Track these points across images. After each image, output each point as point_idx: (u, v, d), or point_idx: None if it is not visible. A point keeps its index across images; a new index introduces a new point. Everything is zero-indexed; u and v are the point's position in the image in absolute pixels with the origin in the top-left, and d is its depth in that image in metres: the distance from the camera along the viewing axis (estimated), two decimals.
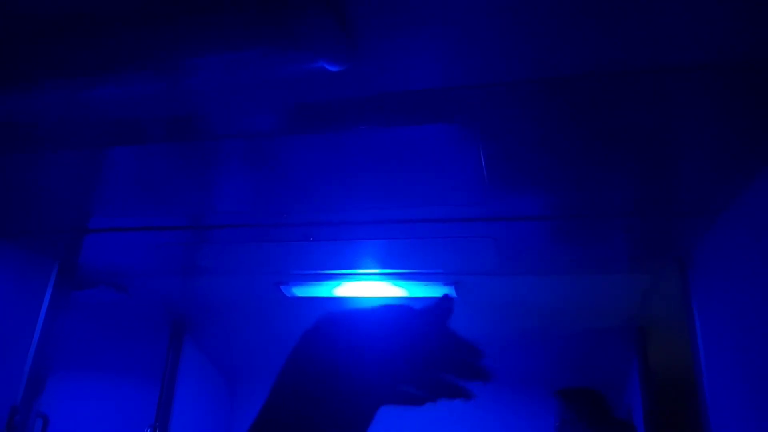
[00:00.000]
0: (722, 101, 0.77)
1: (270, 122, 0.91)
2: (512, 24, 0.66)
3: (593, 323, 1.96)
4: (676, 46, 0.68)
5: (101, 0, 0.66)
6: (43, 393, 1.59)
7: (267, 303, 1.91)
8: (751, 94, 0.75)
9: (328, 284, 1.71)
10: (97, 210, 1.29)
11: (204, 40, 0.67)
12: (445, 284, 1.66)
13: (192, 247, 1.50)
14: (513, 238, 1.32)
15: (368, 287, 1.70)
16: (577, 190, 1.08)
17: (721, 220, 1.12)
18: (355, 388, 0.37)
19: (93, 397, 2.39)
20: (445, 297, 0.43)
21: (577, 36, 0.67)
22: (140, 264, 1.64)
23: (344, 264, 1.56)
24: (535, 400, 2.29)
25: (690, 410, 1.30)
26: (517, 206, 1.16)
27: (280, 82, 0.79)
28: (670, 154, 0.93)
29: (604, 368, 2.18)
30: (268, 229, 1.35)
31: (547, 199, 1.13)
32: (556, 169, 1.00)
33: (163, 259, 1.58)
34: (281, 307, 1.92)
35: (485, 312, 1.88)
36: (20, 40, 0.72)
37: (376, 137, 0.94)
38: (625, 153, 0.93)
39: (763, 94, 0.74)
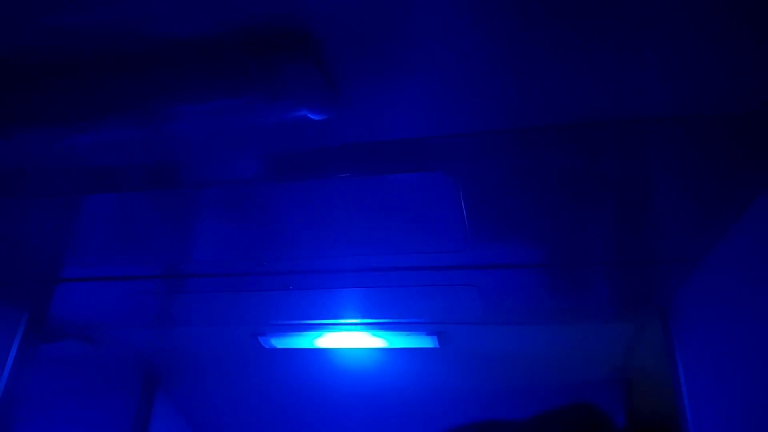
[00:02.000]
0: (701, 152, 0.79)
1: (250, 170, 0.90)
2: (494, 75, 0.67)
3: (578, 374, 1.93)
4: (655, 98, 0.69)
5: (80, 47, 0.66)
6: None
7: (244, 355, 1.85)
8: (730, 145, 0.77)
9: (308, 335, 1.67)
10: (70, 259, 1.26)
11: (185, 88, 0.67)
12: (428, 334, 1.63)
13: (167, 297, 1.46)
14: (496, 287, 1.31)
15: (350, 338, 1.66)
16: (558, 239, 1.08)
17: (700, 268, 1.13)
18: None
19: None
20: None
21: (558, 87, 0.68)
22: (112, 315, 1.59)
23: (325, 314, 1.53)
24: None
25: None
26: (499, 254, 1.16)
27: (261, 130, 0.79)
28: (649, 203, 0.94)
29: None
30: (246, 278, 1.32)
31: (528, 248, 1.13)
32: (537, 218, 1.00)
33: (137, 310, 1.53)
34: (259, 360, 1.86)
35: (469, 363, 1.84)
36: None
37: (357, 185, 0.94)
38: (607, 202, 0.94)
39: (741, 144, 0.76)
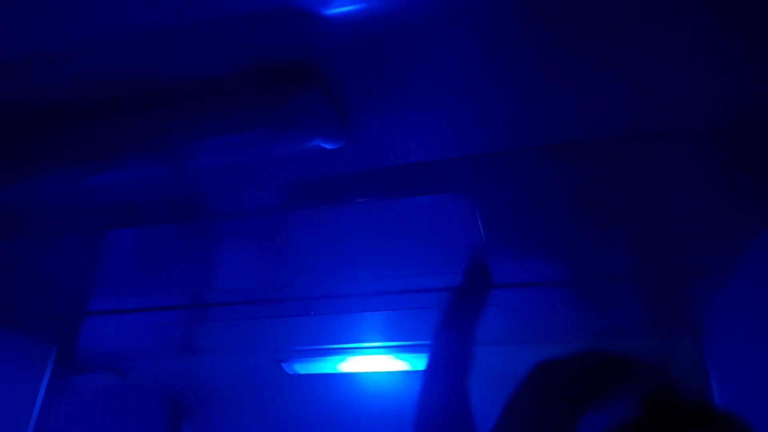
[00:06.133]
0: (723, 161, 0.78)
1: (269, 200, 0.92)
2: (504, 97, 0.67)
3: None
4: (669, 111, 0.69)
5: (101, 91, 0.68)
6: None
7: (268, 382, 1.85)
8: (749, 153, 0.75)
9: (331, 359, 1.66)
10: (97, 293, 1.28)
11: (202, 126, 0.69)
12: None
13: (191, 326, 1.47)
14: (519, 306, 1.30)
15: (373, 362, 1.65)
16: (579, 256, 1.07)
17: (731, 281, 1.10)
18: None
19: None
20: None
21: (568, 105, 0.68)
22: (138, 346, 1.61)
23: (347, 338, 1.53)
24: None
25: None
26: (520, 273, 1.15)
27: (277, 161, 0.80)
28: (673, 216, 0.92)
29: None
30: (269, 305, 1.33)
31: (550, 266, 1.12)
32: (557, 235, 0.99)
33: (162, 340, 1.55)
34: (283, 386, 1.86)
35: (495, 383, 1.81)
36: (20, 128, 0.74)
37: (374, 210, 0.94)
38: (628, 216, 0.92)
39: (761, 152, 0.75)
